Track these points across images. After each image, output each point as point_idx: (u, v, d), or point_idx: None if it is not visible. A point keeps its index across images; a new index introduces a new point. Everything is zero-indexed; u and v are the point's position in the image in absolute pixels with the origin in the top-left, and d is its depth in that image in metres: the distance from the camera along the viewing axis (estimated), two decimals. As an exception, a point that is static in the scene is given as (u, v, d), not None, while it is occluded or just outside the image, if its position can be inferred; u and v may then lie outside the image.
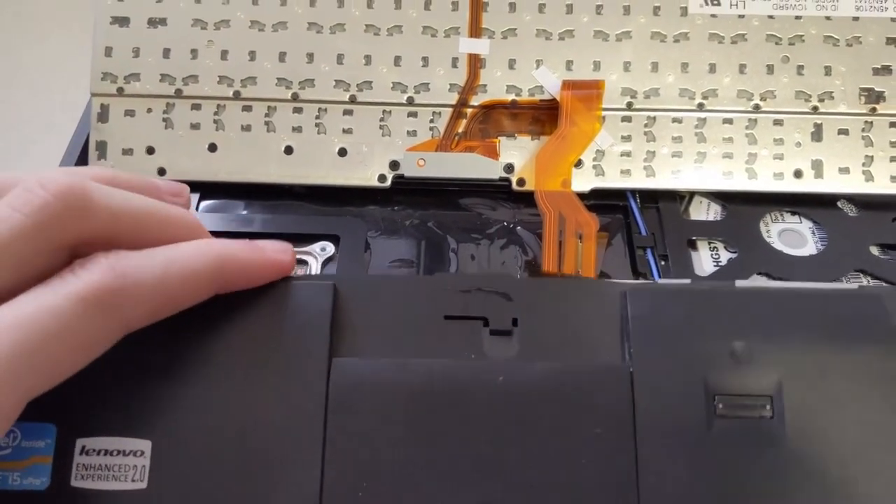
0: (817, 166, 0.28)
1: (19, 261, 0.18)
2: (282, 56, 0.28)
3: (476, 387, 0.20)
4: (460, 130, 0.28)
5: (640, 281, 0.25)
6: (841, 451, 0.20)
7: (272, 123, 0.28)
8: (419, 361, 0.21)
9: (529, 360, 0.21)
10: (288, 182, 0.28)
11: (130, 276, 0.18)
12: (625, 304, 0.21)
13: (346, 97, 0.28)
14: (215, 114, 0.28)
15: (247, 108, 0.28)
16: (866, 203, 0.28)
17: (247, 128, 0.28)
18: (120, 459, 0.20)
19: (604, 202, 0.28)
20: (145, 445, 0.20)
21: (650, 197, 0.28)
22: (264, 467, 0.20)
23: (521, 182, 0.28)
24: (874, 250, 0.26)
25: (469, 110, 0.28)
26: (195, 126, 0.28)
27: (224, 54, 0.28)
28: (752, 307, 0.21)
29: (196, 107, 0.28)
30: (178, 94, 0.28)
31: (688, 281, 0.22)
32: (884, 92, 0.28)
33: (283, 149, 0.28)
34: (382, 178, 0.28)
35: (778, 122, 0.28)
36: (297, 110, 0.28)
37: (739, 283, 0.22)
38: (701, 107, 0.28)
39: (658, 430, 0.20)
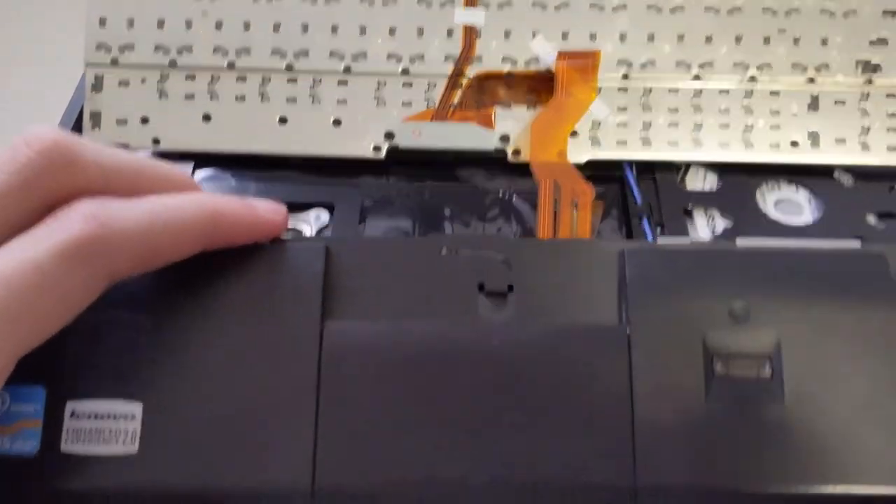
0: (814, 137, 0.27)
1: (4, 219, 0.18)
2: (276, 27, 0.28)
3: (471, 349, 0.20)
4: (455, 101, 0.28)
5: (638, 241, 0.25)
6: (841, 412, 0.20)
7: (266, 94, 0.28)
8: (413, 324, 0.21)
9: (525, 321, 0.21)
10: (282, 153, 0.28)
11: (114, 224, 0.18)
12: (622, 265, 0.21)
13: (341, 68, 0.28)
14: (209, 84, 0.28)
15: (241, 79, 0.28)
16: (863, 173, 0.28)
17: (241, 98, 0.28)
18: (111, 423, 0.20)
19: (600, 173, 0.27)
20: (136, 409, 0.20)
21: (646, 168, 0.28)
22: (256, 431, 0.20)
23: (516, 152, 0.27)
24: (871, 219, 0.26)
25: (464, 81, 0.28)
26: (189, 96, 0.28)
27: (218, 25, 0.28)
28: (752, 266, 0.21)
29: (190, 77, 0.28)
30: (173, 64, 0.28)
31: (687, 240, 0.22)
32: (880, 63, 0.28)
33: (277, 119, 0.28)
34: (377, 148, 0.27)
35: (774, 93, 0.28)
36: (292, 81, 0.28)
37: (741, 241, 0.22)
38: (697, 78, 0.28)
39: (655, 391, 0.20)
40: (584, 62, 0.28)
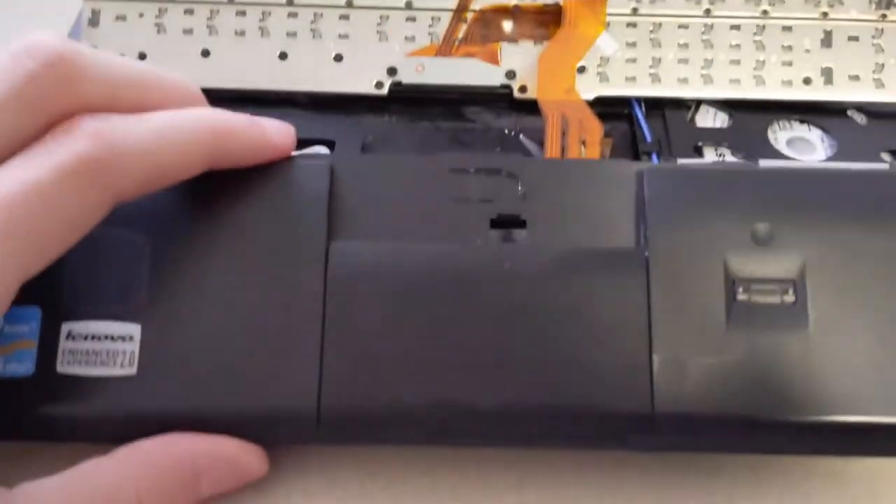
0: (827, 73, 0.27)
1: (2, 135, 0.17)
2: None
3: (482, 272, 0.20)
4: (460, 36, 0.27)
5: (658, 162, 0.24)
6: (867, 339, 0.19)
7: (266, 29, 0.27)
8: (421, 246, 0.20)
9: (538, 244, 0.20)
10: (282, 88, 0.27)
11: (119, 143, 0.17)
12: (641, 185, 0.20)
13: (343, 1, 0.27)
14: (208, 19, 0.27)
15: (240, 13, 0.27)
16: (877, 112, 0.27)
17: (240, 33, 0.27)
18: (108, 345, 0.19)
19: (608, 110, 0.27)
20: (134, 330, 0.19)
21: (656, 105, 0.27)
22: (260, 353, 0.19)
23: (522, 89, 0.27)
24: (886, 157, 0.26)
25: (469, 14, 0.27)
26: (188, 31, 0.27)
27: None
28: (775, 187, 0.20)
29: (189, 11, 0.27)
30: (172, -2, 0.27)
31: (708, 160, 0.22)
32: (895, -2, 0.27)
33: (277, 54, 0.27)
34: (380, 84, 0.27)
35: (787, 29, 0.27)
36: (292, 15, 0.27)
37: (764, 161, 0.21)
38: (708, 12, 0.27)
39: (674, 316, 0.19)
40: (592, -4, 0.27)
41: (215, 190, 0.20)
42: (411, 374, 0.19)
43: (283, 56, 0.27)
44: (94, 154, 0.17)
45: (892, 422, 0.18)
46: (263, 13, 0.27)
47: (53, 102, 0.17)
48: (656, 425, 0.18)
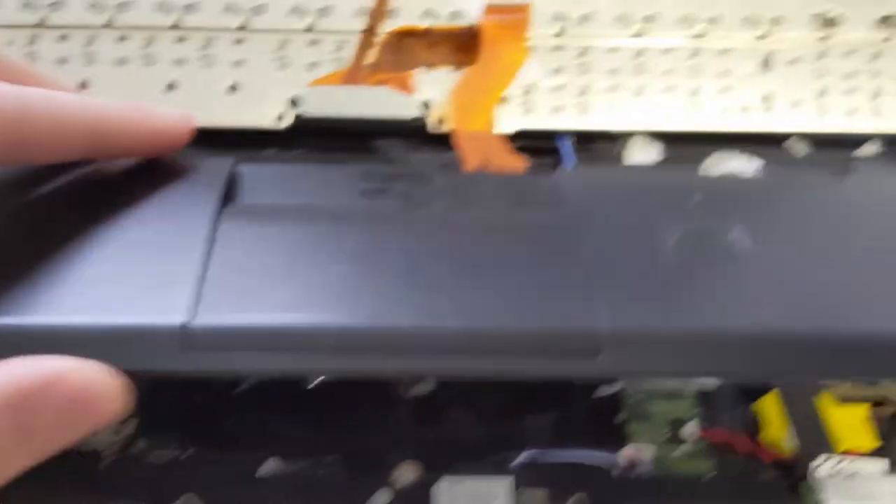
0: (767, 100, 0.25)
1: None
2: (160, -23, 0.24)
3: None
4: (369, 61, 0.25)
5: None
6: (802, 258, 0.18)
7: (151, 56, 0.24)
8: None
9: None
10: (171, 123, 0.24)
11: None
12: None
13: (236, 24, 0.25)
14: (85, 46, 0.24)
15: (122, 39, 0.24)
16: (820, 140, 0.25)
17: (122, 61, 0.24)
18: None
19: (533, 144, 0.25)
20: None
21: (583, 137, 0.25)
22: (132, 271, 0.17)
23: (439, 121, 0.24)
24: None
25: (379, 38, 0.25)
26: (62, 60, 0.24)
27: (93, -25, 0.24)
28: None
29: (63, 38, 0.24)
30: (42, 23, 0.24)
31: None
32: (838, 16, 0.25)
33: (164, 85, 0.24)
34: (280, 117, 0.24)
35: (723, 52, 0.25)
36: (180, 40, 0.24)
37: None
38: (639, 35, 0.25)
39: (616, 233, 0.18)
40: (513, 17, 0.25)
41: (102, 182, 0.19)
42: (302, 293, 0.17)
43: (171, 86, 0.24)
44: None
45: (825, 331, 0.17)
46: (148, 39, 0.24)
47: None
48: (603, 344, 0.17)
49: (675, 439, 0.19)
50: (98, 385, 0.15)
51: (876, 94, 0.25)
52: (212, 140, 0.24)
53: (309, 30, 0.25)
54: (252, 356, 0.16)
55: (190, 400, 0.20)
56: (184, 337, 0.16)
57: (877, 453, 0.19)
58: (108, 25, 0.24)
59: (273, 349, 0.16)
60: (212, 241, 0.17)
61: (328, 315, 0.17)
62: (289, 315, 0.16)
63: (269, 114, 0.24)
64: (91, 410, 0.15)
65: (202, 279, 0.17)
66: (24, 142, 0.17)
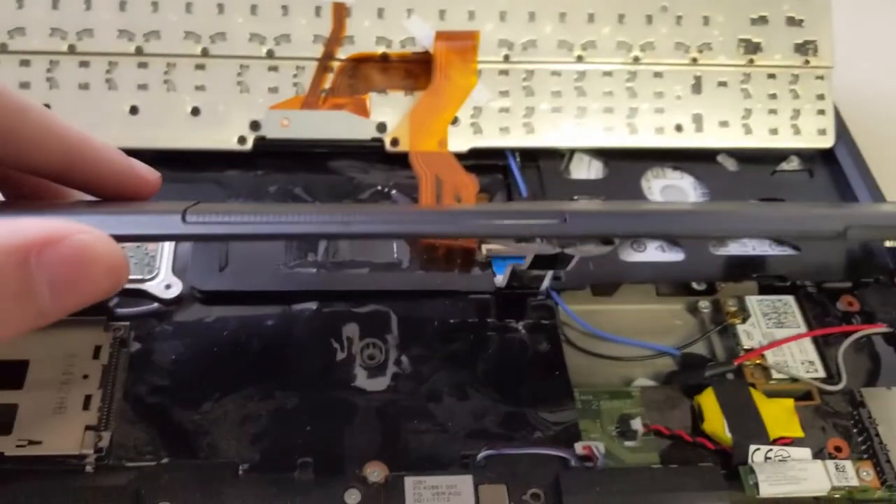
0: (697, 120, 0.27)
1: None
2: (122, 5, 0.25)
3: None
4: (327, 86, 0.26)
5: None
6: None
7: (114, 81, 0.25)
8: None
9: None
10: (133, 146, 0.24)
11: None
12: None
13: (198, 50, 0.25)
14: (48, 71, 0.25)
15: (84, 64, 0.25)
16: (746, 157, 0.27)
17: (84, 86, 0.25)
18: None
19: (483, 162, 0.26)
20: None
21: (530, 155, 0.26)
22: None
23: (394, 142, 0.26)
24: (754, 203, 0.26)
25: (336, 64, 0.26)
26: (24, 85, 0.25)
27: (55, 2, 0.25)
28: None
29: (25, 63, 0.25)
30: (3, 48, 0.25)
31: None
32: (761, 42, 0.27)
33: (127, 109, 0.25)
34: (242, 139, 0.25)
35: (658, 75, 0.27)
36: (143, 65, 0.25)
37: None
38: (580, 59, 0.27)
39: None
40: (463, 43, 0.26)
41: None
42: None
43: (133, 110, 0.25)
44: None
45: None
46: (110, 64, 0.25)
47: None
48: None
49: (624, 434, 0.21)
50: (97, 249, 0.15)
51: (795, 115, 0.27)
52: (176, 161, 0.25)
53: (269, 56, 0.25)
54: None
55: (166, 410, 0.20)
56: None
57: (803, 442, 0.21)
58: (70, 51, 0.25)
59: None
60: None
61: None
62: None
63: (230, 137, 0.25)
64: (89, 273, 0.15)
65: None
66: (17, 136, 0.17)
